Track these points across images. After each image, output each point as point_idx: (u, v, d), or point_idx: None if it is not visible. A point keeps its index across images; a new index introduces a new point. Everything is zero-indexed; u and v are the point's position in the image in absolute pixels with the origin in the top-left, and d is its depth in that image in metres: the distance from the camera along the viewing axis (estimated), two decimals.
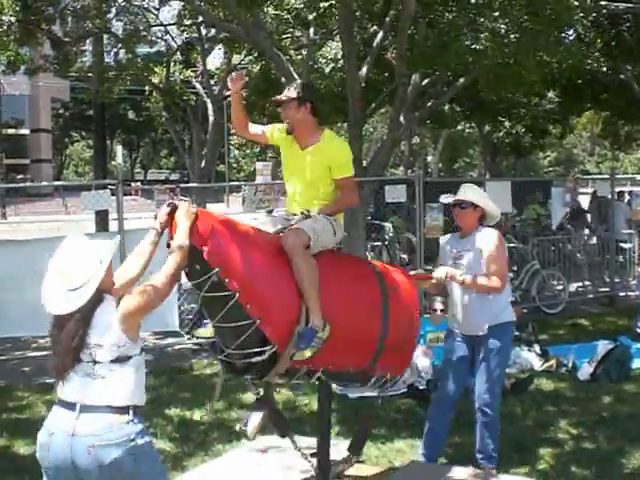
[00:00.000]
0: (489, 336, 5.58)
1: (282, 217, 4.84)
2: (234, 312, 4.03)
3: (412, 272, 5.63)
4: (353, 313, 4.46)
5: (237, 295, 3.99)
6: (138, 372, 3.53)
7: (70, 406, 3.45)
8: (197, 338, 9.15)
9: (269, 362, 4.16)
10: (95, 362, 3.43)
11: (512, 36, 8.94)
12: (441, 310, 7.07)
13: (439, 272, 5.46)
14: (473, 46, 9.19)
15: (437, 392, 5.94)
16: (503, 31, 8.92)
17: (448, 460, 5.97)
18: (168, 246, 3.90)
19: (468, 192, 5.72)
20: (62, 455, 3.40)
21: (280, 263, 4.22)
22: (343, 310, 4.38)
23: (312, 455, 4.83)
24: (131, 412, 3.46)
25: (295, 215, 4.64)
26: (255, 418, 4.59)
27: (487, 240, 5.58)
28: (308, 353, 4.20)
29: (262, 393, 4.66)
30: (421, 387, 7.82)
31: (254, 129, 5.02)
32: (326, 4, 8.03)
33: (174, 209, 3.95)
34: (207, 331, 4.48)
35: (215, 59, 22.06)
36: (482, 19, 9.24)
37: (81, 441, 3.36)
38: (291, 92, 4.74)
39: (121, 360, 3.45)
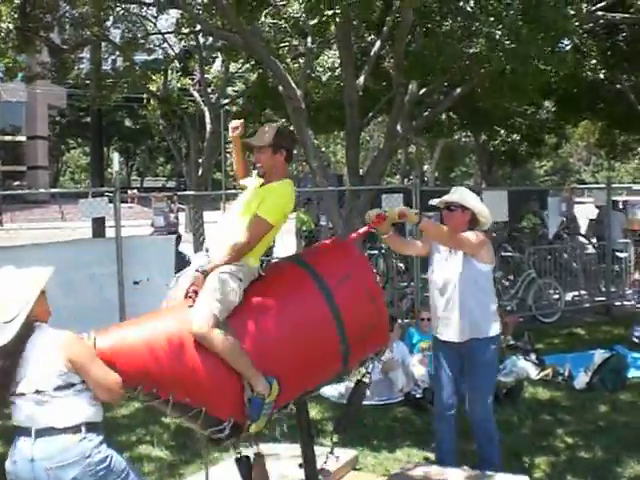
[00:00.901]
0: (476, 350, 5.53)
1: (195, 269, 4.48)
2: (180, 407, 4.06)
3: (366, 215, 5.11)
4: (298, 339, 4.27)
5: (171, 398, 3.98)
6: (84, 393, 3.65)
7: (26, 432, 3.62)
8: None
9: (236, 429, 4.16)
10: (38, 392, 3.58)
11: (507, 42, 8.97)
12: (428, 319, 7.08)
13: (392, 210, 5.17)
14: (468, 51, 9.21)
15: (436, 408, 5.90)
16: (498, 37, 8.94)
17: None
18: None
19: (457, 194, 5.65)
20: None
21: (197, 346, 4.06)
22: (287, 342, 4.23)
23: (300, 466, 4.82)
24: (83, 429, 3.58)
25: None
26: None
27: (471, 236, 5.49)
28: (262, 422, 4.17)
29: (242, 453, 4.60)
30: (418, 395, 7.84)
31: (246, 181, 4.91)
32: (329, 12, 8.04)
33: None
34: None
35: (215, 67, 22.02)
36: (477, 24, 9.27)
37: (39, 465, 3.54)
38: (266, 137, 4.57)
39: (64, 387, 3.59)
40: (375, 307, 4.53)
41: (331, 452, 4.92)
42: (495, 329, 5.61)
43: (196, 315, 4.09)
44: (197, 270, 4.32)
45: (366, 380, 4.83)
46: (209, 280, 4.24)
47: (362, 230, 4.99)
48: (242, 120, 4.84)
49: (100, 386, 3.65)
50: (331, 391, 7.80)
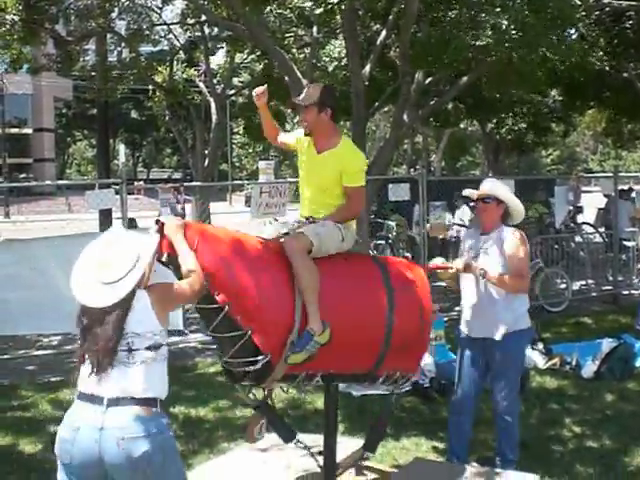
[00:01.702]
0: (505, 343, 5.48)
1: (292, 222, 4.75)
2: (226, 323, 4.01)
3: (431, 263, 5.56)
4: (353, 315, 4.37)
5: (227, 308, 3.96)
6: (164, 363, 3.52)
7: (96, 400, 3.37)
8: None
9: (265, 369, 4.14)
10: (131, 350, 3.38)
11: (513, 32, 8.94)
12: (436, 310, 7.08)
13: (458, 262, 5.39)
14: (474, 42, 9.19)
15: (455, 397, 5.85)
16: (504, 27, 8.91)
17: (433, 456, 5.97)
18: (161, 262, 3.85)
19: (492, 186, 5.57)
20: (89, 449, 3.31)
21: (274, 271, 4.15)
22: (342, 312, 4.31)
23: (319, 453, 4.83)
24: (158, 405, 3.44)
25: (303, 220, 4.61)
26: (255, 424, 4.60)
27: (509, 240, 5.43)
28: (302, 357, 4.15)
29: (261, 400, 4.61)
30: (425, 385, 7.83)
31: (284, 138, 5.00)
32: (335, 1, 8.03)
33: (161, 226, 3.91)
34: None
35: (219, 58, 22.00)
36: (484, 15, 9.24)
37: (110, 434, 3.29)
38: (312, 96, 4.59)
39: (155, 347, 3.43)
40: (422, 326, 4.71)
41: (363, 458, 5.00)
42: (524, 323, 5.59)
43: (296, 236, 4.26)
44: (308, 218, 4.53)
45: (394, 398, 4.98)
46: (318, 224, 4.43)
47: (432, 266, 5.56)
48: (265, 86, 4.84)
49: (193, 294, 3.61)
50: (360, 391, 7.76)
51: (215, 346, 4.40)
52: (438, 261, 5.59)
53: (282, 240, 4.31)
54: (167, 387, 3.55)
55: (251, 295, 4.03)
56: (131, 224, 12.55)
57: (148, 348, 3.40)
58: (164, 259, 3.82)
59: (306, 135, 4.67)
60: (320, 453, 4.82)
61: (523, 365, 5.95)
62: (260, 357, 4.07)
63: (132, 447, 3.29)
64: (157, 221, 3.96)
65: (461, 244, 5.89)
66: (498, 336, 5.48)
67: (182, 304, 3.55)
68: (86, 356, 3.40)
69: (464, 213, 14.79)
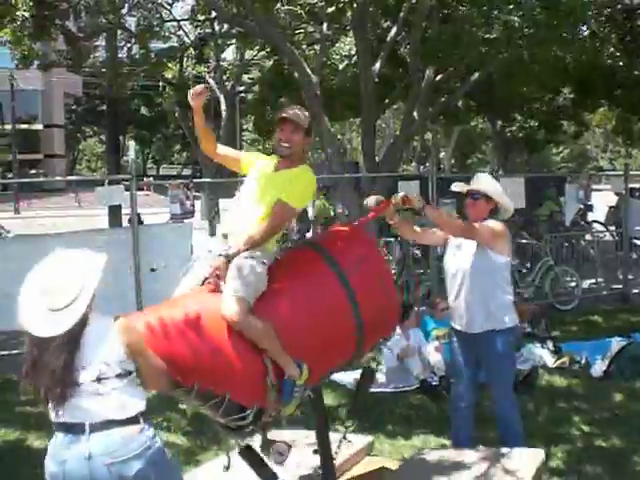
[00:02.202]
0: (490, 342, 5.43)
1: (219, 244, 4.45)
2: (203, 396, 3.98)
3: (366, 202, 5.05)
4: (322, 323, 4.26)
5: (196, 387, 3.90)
6: (136, 382, 3.44)
7: (77, 429, 3.30)
8: None
9: (258, 415, 4.13)
10: (100, 379, 3.30)
11: (525, 30, 8.91)
12: (445, 308, 7.05)
13: (395, 196, 5.05)
14: (486, 36, 9.16)
15: (451, 394, 5.87)
16: (517, 24, 8.88)
17: None
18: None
19: (482, 182, 5.53)
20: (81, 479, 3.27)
21: (224, 328, 4.01)
22: (311, 327, 4.21)
23: (315, 452, 4.82)
24: (141, 419, 3.37)
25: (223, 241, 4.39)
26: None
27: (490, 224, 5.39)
28: (295, 403, 4.16)
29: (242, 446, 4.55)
30: (434, 383, 7.83)
31: (224, 151, 4.73)
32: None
33: None
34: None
35: (228, 54, 22.02)
36: (495, 12, 9.21)
37: (99, 461, 3.24)
38: (304, 120, 4.45)
39: (123, 375, 3.34)
40: (386, 290, 4.57)
41: (344, 438, 4.89)
42: (510, 320, 5.50)
43: (229, 302, 4.01)
44: (220, 254, 4.21)
45: (373, 366, 4.84)
46: (235, 265, 4.15)
47: (369, 215, 4.95)
48: (203, 85, 4.63)
49: (152, 373, 3.48)
50: (346, 378, 7.80)
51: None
52: (373, 200, 4.97)
53: (221, 310, 4.03)
54: (144, 397, 3.48)
55: (215, 368, 3.95)
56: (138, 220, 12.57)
57: (118, 376, 3.33)
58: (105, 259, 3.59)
59: (282, 156, 4.46)
60: (315, 452, 4.82)
61: (513, 364, 5.83)
62: (248, 411, 4.06)
63: (124, 470, 3.25)
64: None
65: (446, 244, 5.75)
66: (474, 329, 5.45)
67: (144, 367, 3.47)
68: (43, 387, 3.32)
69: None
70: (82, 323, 3.29)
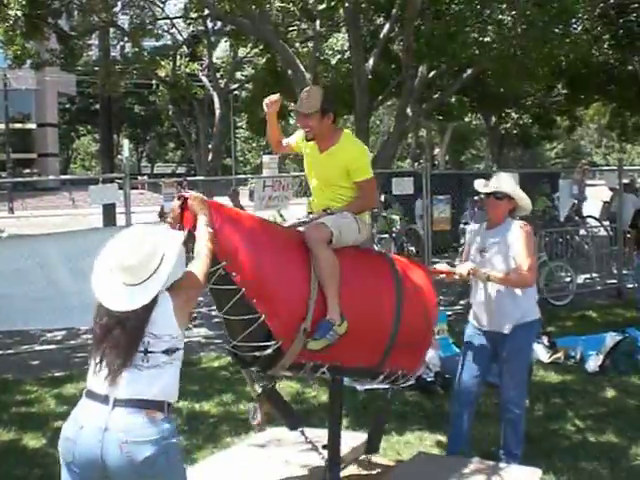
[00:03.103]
0: (513, 335, 5.45)
1: (308, 216, 4.76)
2: (240, 305, 3.99)
3: (436, 265, 5.59)
4: (365, 309, 4.43)
5: (243, 289, 3.94)
6: (178, 368, 3.40)
7: (103, 399, 3.26)
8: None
9: (275, 356, 4.13)
10: (147, 352, 3.28)
11: (518, 28, 8.92)
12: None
13: (462, 268, 5.30)
14: (479, 38, 9.18)
15: (457, 387, 5.81)
16: (510, 23, 8.90)
17: (437, 450, 5.96)
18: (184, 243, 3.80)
19: (505, 182, 5.52)
20: (91, 450, 3.22)
21: (293, 257, 4.19)
22: (355, 306, 4.34)
23: (323, 447, 4.82)
24: (166, 409, 3.32)
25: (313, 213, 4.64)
26: (261, 409, 4.58)
27: (516, 234, 5.39)
28: (322, 344, 4.18)
29: (268, 386, 4.62)
30: (429, 379, 7.82)
31: (287, 142, 5.04)
32: None
33: (185, 201, 3.87)
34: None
35: (220, 51, 21.97)
36: (488, 11, 9.22)
37: (114, 436, 3.19)
38: (314, 104, 4.56)
39: (171, 351, 3.32)
40: (426, 326, 4.88)
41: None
42: (532, 314, 5.55)
43: (317, 226, 4.31)
44: (325, 210, 4.53)
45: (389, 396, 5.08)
46: (337, 215, 4.47)
47: (445, 270, 5.46)
48: (278, 95, 4.82)
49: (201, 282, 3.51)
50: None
51: (224, 329, 4.34)
52: (442, 267, 5.56)
53: (303, 229, 4.36)
54: (177, 391, 3.45)
55: (268, 279, 4.04)
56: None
57: (165, 352, 3.31)
58: (184, 236, 3.71)
59: (308, 140, 4.68)
60: (324, 447, 4.82)
61: (530, 357, 5.88)
62: (272, 342, 4.07)
63: (135, 451, 3.18)
64: (180, 196, 3.93)
65: (465, 243, 5.85)
66: (507, 330, 5.46)
67: (199, 294, 3.51)
68: (101, 355, 3.30)
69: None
70: (155, 300, 3.30)
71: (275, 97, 4.78)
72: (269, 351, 4.08)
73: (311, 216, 4.62)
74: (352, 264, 4.46)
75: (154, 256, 3.31)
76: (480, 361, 5.64)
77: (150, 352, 3.28)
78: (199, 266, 3.54)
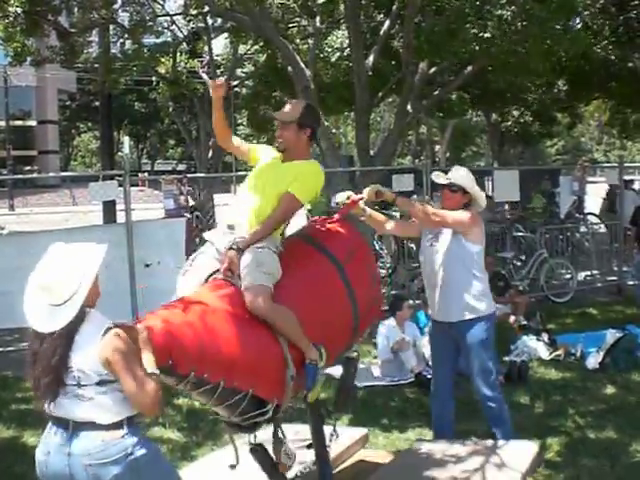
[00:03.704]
0: (467, 331, 5.52)
1: (225, 234, 4.46)
2: (224, 394, 3.93)
3: (336, 198, 5.15)
4: (327, 317, 4.39)
5: (221, 383, 3.86)
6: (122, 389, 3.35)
7: (62, 423, 3.33)
8: None
9: (276, 411, 4.16)
10: (80, 385, 3.28)
11: (518, 24, 8.90)
12: None
13: (367, 190, 5.13)
14: (480, 34, 9.16)
15: (432, 384, 5.96)
16: (509, 18, 8.88)
17: None
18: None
19: (461, 176, 5.63)
20: (61, 474, 3.30)
21: (247, 325, 4.04)
22: (319, 313, 4.33)
23: (308, 447, 4.82)
24: (125, 426, 3.32)
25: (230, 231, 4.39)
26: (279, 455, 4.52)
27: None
28: (318, 388, 4.23)
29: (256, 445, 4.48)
30: (428, 376, 7.81)
31: (237, 142, 4.80)
32: None
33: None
34: None
35: (219, 46, 21.94)
36: (488, 7, 9.20)
37: (77, 460, 3.26)
38: (293, 114, 4.49)
39: (105, 382, 3.28)
40: (374, 279, 4.88)
41: (334, 431, 4.86)
42: (487, 308, 5.60)
43: (252, 292, 4.05)
44: (232, 247, 4.21)
45: (354, 354, 4.93)
46: (251, 255, 4.20)
47: (344, 210, 5.01)
48: (224, 79, 4.70)
49: (133, 398, 3.30)
50: (339, 371, 7.78)
51: (214, 411, 4.32)
52: (343, 197, 5.07)
53: (245, 301, 4.07)
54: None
55: (240, 359, 3.94)
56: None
57: (98, 384, 3.28)
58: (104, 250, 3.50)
59: (280, 151, 4.56)
60: (309, 447, 4.83)
61: (493, 348, 5.79)
62: (269, 406, 4.08)
63: (101, 472, 3.24)
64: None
65: (422, 236, 5.84)
66: (454, 318, 5.54)
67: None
68: (36, 381, 3.35)
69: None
70: (79, 318, 3.28)
71: (221, 80, 4.61)
72: (269, 415, 4.10)
73: (222, 256, 4.28)
74: (296, 286, 4.34)
75: (72, 275, 3.29)
76: (446, 353, 5.75)
77: (83, 385, 3.28)
78: (136, 390, 3.30)
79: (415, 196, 11.22)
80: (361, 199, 5.09)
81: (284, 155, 4.56)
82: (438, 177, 5.73)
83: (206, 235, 4.64)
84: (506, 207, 16.22)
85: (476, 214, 5.60)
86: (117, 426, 3.30)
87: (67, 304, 3.26)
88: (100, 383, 3.28)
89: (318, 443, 4.79)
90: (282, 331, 4.08)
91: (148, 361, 3.41)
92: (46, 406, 3.38)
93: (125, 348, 3.29)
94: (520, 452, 5.12)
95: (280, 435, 4.42)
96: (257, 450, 4.48)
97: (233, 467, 4.39)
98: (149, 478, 3.36)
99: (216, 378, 3.83)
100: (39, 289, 3.33)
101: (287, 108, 4.59)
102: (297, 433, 5.12)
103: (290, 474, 4.71)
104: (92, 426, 3.28)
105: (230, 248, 4.22)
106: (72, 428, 3.30)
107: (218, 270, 4.27)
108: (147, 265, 9.42)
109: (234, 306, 4.07)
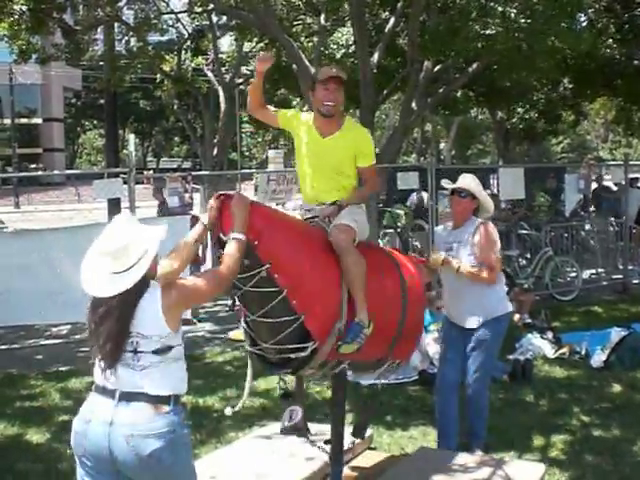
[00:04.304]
0: (481, 330, 5.66)
1: (305, 209, 4.69)
2: (278, 307, 3.96)
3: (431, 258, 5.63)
4: (380, 306, 4.48)
5: (285, 291, 3.91)
6: (179, 362, 3.37)
7: (108, 393, 3.29)
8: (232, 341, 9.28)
9: (308, 357, 4.14)
10: (136, 352, 3.27)
11: (523, 21, 8.88)
12: (441, 307, 7.13)
13: (435, 257, 5.55)
14: (484, 32, 9.14)
15: (437, 380, 6.02)
16: (514, 16, 8.86)
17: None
18: (216, 244, 3.80)
19: (469, 181, 5.75)
20: (100, 443, 3.24)
21: (327, 258, 4.22)
22: (372, 304, 4.38)
23: (325, 442, 4.82)
24: (172, 402, 3.30)
25: (321, 205, 4.54)
26: (294, 414, 4.57)
27: (479, 232, 5.62)
28: (354, 347, 4.24)
29: (290, 388, 4.61)
30: (433, 373, 7.81)
31: (267, 109, 4.83)
32: None
33: (225, 201, 3.78)
34: (241, 333, 4.38)
35: (225, 45, 21.93)
36: (493, 4, 9.19)
37: (119, 430, 3.21)
38: (341, 74, 4.50)
39: (162, 351, 3.27)
40: (421, 317, 5.12)
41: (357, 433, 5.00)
42: (500, 309, 5.75)
43: (341, 228, 4.29)
44: (334, 203, 4.47)
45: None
46: (348, 209, 4.47)
47: (419, 259, 5.57)
48: (271, 53, 4.76)
49: (213, 292, 3.48)
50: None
51: (247, 333, 4.33)
52: (438, 260, 5.60)
53: (330, 232, 4.31)
54: (185, 383, 3.42)
55: (308, 281, 4.05)
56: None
57: (155, 352, 3.27)
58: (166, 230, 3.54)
59: (326, 117, 4.50)
60: (326, 442, 4.81)
61: (496, 350, 5.98)
62: (309, 343, 4.08)
63: (141, 445, 3.20)
64: (220, 195, 3.86)
65: (435, 240, 6.07)
66: (469, 325, 5.67)
67: (200, 303, 3.44)
68: (97, 348, 3.31)
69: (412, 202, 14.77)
70: (140, 287, 3.27)
71: (269, 54, 4.69)
72: (307, 352, 4.09)
73: (321, 209, 4.51)
74: (371, 273, 4.44)
75: (137, 246, 3.29)
76: (456, 353, 5.83)
77: (140, 352, 3.27)
78: (214, 279, 3.48)
79: (423, 193, 11.18)
80: (423, 262, 5.55)
81: (319, 122, 4.54)
82: (447, 184, 5.89)
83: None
84: (505, 205, 16.17)
85: (491, 227, 5.71)
86: (165, 400, 3.28)
87: (131, 271, 3.24)
88: (157, 352, 3.27)
89: (336, 442, 4.78)
90: (350, 274, 4.19)
91: (242, 223, 3.67)
92: (95, 375, 3.36)
93: (182, 289, 3.36)
94: (526, 472, 5.13)
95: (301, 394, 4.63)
96: (288, 395, 4.68)
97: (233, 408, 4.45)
98: (182, 460, 3.35)
99: (284, 283, 3.92)
100: (102, 255, 3.30)
101: (334, 68, 4.62)
102: (321, 431, 5.16)
103: None
104: (141, 396, 3.25)
105: (333, 203, 4.47)
106: (119, 397, 3.26)
107: (307, 218, 4.54)
108: None
109: (320, 239, 4.29)
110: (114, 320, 3.25)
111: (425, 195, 11.17)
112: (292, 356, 4.13)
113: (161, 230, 3.43)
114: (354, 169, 4.59)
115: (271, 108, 4.89)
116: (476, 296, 5.61)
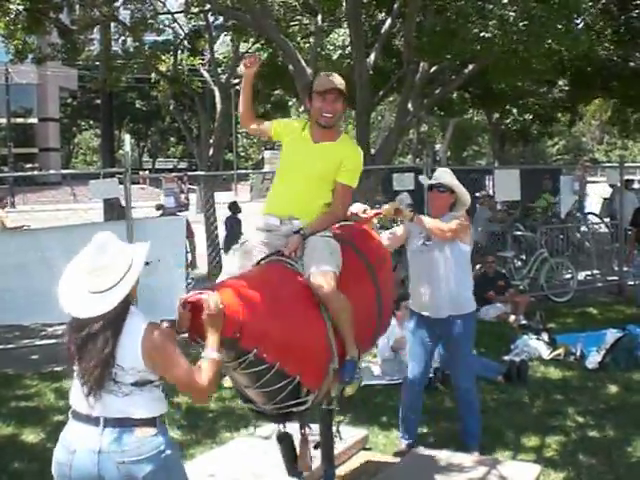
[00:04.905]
0: (455, 326, 5.74)
1: (272, 224, 4.44)
2: (274, 377, 3.90)
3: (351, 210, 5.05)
4: (363, 318, 4.44)
5: (277, 364, 3.84)
6: (159, 388, 3.32)
7: (92, 421, 3.22)
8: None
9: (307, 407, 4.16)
10: (116, 382, 3.20)
11: (520, 24, 8.90)
12: None
13: (388, 207, 5.28)
14: (481, 34, 9.15)
15: (408, 376, 6.05)
16: (511, 19, 8.87)
17: (437, 445, 5.95)
18: (192, 342, 3.69)
19: (447, 177, 5.83)
20: (88, 474, 3.18)
21: (306, 311, 4.11)
22: (358, 313, 4.34)
23: (315, 447, 4.79)
24: (157, 423, 3.27)
25: (290, 220, 4.36)
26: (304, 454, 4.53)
27: (452, 219, 5.69)
28: (356, 385, 4.25)
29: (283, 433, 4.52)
30: (429, 375, 7.81)
31: (257, 123, 4.67)
32: None
33: (193, 309, 3.61)
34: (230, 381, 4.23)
35: (220, 45, 21.89)
36: (490, 6, 9.20)
37: (109, 458, 3.15)
38: (343, 83, 4.38)
39: (140, 384, 3.22)
40: (393, 288, 5.05)
41: (337, 431, 4.87)
42: (473, 305, 5.89)
43: (325, 276, 4.09)
44: (298, 232, 4.26)
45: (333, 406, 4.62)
46: (322, 242, 4.26)
47: (361, 222, 5.05)
48: (257, 54, 4.64)
49: (183, 387, 3.31)
50: None
51: (246, 399, 4.28)
52: (360, 209, 5.03)
53: (310, 281, 4.12)
54: (165, 403, 3.37)
55: (298, 345, 3.99)
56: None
57: (133, 384, 3.22)
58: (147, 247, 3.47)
59: (325, 127, 4.40)
60: (316, 447, 4.80)
61: (471, 346, 6.12)
62: (310, 396, 4.08)
63: (134, 470, 3.16)
64: (186, 302, 3.62)
65: (409, 237, 5.92)
66: (441, 314, 5.74)
67: (165, 377, 3.28)
68: (78, 373, 3.25)
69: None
70: (124, 308, 3.21)
71: (255, 55, 4.55)
72: (308, 405, 4.10)
73: (287, 242, 4.27)
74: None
75: (120, 265, 3.24)
76: (426, 349, 5.93)
77: (118, 382, 3.21)
78: (191, 381, 3.31)
79: (405, 195, 11.17)
80: (378, 214, 5.21)
81: (323, 131, 4.41)
82: (425, 180, 6.04)
83: (255, 222, 4.56)
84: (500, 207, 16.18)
85: (467, 218, 5.84)
86: (151, 423, 3.25)
87: (112, 291, 3.18)
88: (136, 384, 3.21)
89: (326, 443, 4.78)
90: (339, 321, 4.11)
91: (213, 342, 3.49)
92: (74, 401, 3.29)
93: (169, 341, 3.28)
94: (521, 472, 5.17)
95: (307, 433, 4.46)
96: (284, 439, 4.51)
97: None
98: (176, 477, 3.34)
99: (274, 359, 3.82)
100: (83, 274, 3.24)
101: (336, 78, 4.42)
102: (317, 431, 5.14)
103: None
104: (127, 421, 3.20)
105: (297, 232, 4.27)
106: (104, 424, 3.20)
107: (271, 254, 4.28)
108: (147, 263, 9.38)
109: (296, 291, 4.12)
110: (100, 347, 3.17)
111: (405, 195, 11.16)
112: (294, 410, 4.12)
113: (144, 249, 3.38)
114: (332, 184, 4.41)
115: (259, 120, 4.74)
116: (449, 286, 5.69)
